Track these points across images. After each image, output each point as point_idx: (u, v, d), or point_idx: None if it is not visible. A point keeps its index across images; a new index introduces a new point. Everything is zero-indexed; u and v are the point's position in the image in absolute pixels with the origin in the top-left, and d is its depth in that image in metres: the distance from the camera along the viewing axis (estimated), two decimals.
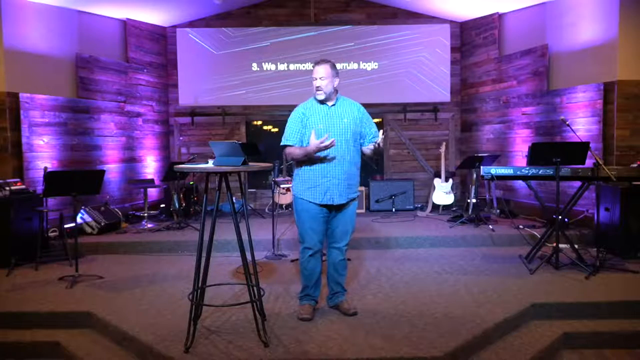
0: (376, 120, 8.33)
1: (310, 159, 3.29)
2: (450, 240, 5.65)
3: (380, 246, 5.58)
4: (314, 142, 3.18)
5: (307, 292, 3.48)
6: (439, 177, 7.22)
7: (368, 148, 3.43)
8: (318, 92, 3.32)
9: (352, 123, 3.36)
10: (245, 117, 8.07)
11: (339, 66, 8.50)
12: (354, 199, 3.44)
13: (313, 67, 3.36)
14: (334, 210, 3.39)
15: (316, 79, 3.31)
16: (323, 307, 3.59)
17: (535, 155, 4.50)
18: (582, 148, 4.53)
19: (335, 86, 3.36)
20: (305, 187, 3.36)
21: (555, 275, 4.33)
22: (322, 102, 3.36)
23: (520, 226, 5.87)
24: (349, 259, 5.04)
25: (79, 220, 5.96)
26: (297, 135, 3.37)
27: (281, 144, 3.42)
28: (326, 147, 3.14)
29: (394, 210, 7.38)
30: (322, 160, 3.28)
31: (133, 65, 7.32)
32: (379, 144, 3.31)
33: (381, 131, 3.37)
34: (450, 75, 7.97)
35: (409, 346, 2.95)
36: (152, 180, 7.21)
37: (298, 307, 3.49)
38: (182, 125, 8.11)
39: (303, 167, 3.36)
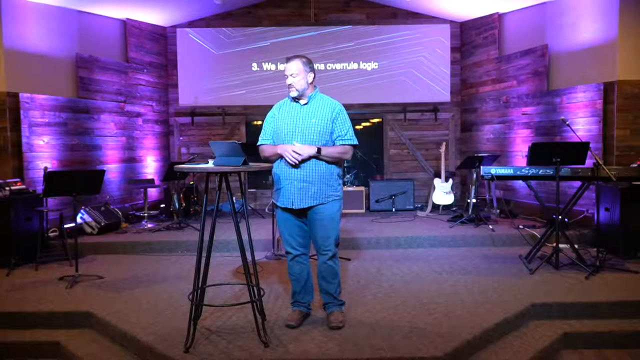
0: (376, 120, 8.36)
1: (277, 162, 3.25)
2: (450, 240, 5.65)
3: (380, 246, 5.58)
4: (281, 145, 3.18)
5: (296, 298, 3.39)
6: (439, 177, 7.22)
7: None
8: (290, 90, 3.19)
9: (320, 124, 3.16)
10: (245, 117, 8.08)
11: (339, 66, 8.47)
12: (323, 203, 3.19)
13: (285, 64, 3.23)
14: (305, 214, 3.24)
15: (287, 76, 3.18)
16: (321, 306, 3.59)
17: (535, 155, 4.50)
18: (582, 148, 4.53)
19: (309, 82, 3.21)
20: (274, 189, 3.31)
21: (555, 275, 4.33)
22: (295, 100, 3.23)
23: (520, 226, 5.87)
24: (348, 259, 5.07)
25: (79, 220, 5.97)
26: (270, 134, 3.30)
27: (257, 143, 3.35)
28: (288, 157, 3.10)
29: (394, 210, 7.38)
30: (286, 162, 3.18)
31: (133, 65, 7.32)
32: (318, 152, 3.11)
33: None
34: (450, 75, 7.97)
35: (409, 346, 2.95)
36: (152, 180, 7.21)
37: (290, 312, 3.42)
38: (182, 125, 8.12)
39: (274, 169, 3.30)
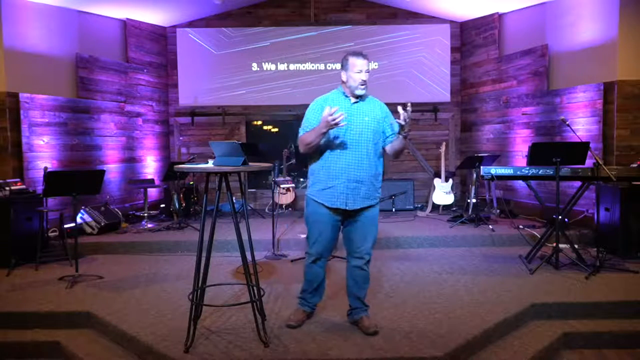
0: None
1: (325, 159, 3.10)
2: (450, 240, 5.65)
3: (380, 246, 5.56)
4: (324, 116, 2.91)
5: (304, 296, 3.35)
6: (439, 177, 7.22)
7: (391, 145, 3.16)
8: (361, 87, 3.10)
9: (373, 122, 3.11)
10: (245, 117, 8.07)
11: (339, 66, 8.53)
12: (372, 206, 3.15)
13: (356, 58, 3.09)
14: (348, 216, 3.15)
15: (361, 72, 3.07)
16: (324, 307, 3.59)
17: (535, 155, 4.50)
18: (582, 148, 4.53)
19: None
20: (318, 188, 3.14)
21: (555, 275, 4.33)
22: (348, 96, 3.15)
23: (520, 226, 5.87)
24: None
25: (79, 220, 5.96)
26: (315, 125, 3.07)
27: (299, 135, 3.17)
28: (336, 123, 2.87)
29: (394, 210, 7.38)
30: (338, 160, 3.08)
31: (133, 65, 7.32)
32: (402, 132, 3.02)
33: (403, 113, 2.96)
34: (450, 75, 7.97)
35: (409, 346, 2.95)
36: (152, 180, 7.21)
37: (293, 310, 3.40)
38: (182, 125, 8.12)
39: (317, 166, 3.15)
